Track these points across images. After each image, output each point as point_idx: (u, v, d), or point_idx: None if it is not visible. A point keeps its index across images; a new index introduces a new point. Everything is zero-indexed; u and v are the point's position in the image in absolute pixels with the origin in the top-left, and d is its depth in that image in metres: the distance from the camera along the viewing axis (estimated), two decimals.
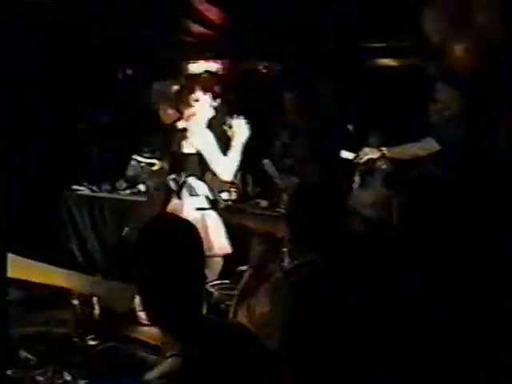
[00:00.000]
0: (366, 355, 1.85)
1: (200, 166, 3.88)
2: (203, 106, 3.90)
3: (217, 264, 3.80)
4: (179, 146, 3.89)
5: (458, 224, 3.12)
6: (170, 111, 3.99)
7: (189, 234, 1.54)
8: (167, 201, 3.90)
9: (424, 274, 2.58)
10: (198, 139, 3.83)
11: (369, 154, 3.70)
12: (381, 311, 1.94)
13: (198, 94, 3.89)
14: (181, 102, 3.92)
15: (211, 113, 3.94)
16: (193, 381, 1.35)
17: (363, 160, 3.71)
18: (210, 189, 3.96)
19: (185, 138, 3.85)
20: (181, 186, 3.87)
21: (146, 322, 1.52)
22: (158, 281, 1.44)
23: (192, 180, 3.87)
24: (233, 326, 1.69)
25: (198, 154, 3.84)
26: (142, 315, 2.58)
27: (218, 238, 3.79)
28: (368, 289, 1.97)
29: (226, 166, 3.82)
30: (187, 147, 3.87)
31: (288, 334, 1.88)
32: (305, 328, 1.88)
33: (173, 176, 3.94)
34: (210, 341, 1.45)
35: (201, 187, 3.90)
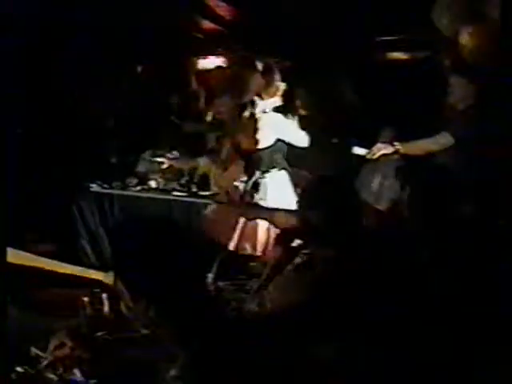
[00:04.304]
0: (380, 347, 1.82)
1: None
2: (279, 90, 4.13)
3: None
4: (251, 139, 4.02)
5: (473, 218, 3.08)
6: (261, 81, 4.14)
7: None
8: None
9: (437, 267, 2.54)
10: (273, 122, 4.00)
11: (382, 149, 3.65)
12: (395, 304, 1.91)
13: (278, 77, 4.11)
14: (268, 76, 4.12)
15: (279, 102, 4.14)
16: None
17: (376, 156, 3.66)
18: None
19: (254, 124, 3.99)
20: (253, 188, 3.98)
21: None
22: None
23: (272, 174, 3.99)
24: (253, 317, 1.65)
25: (279, 143, 4.01)
26: None
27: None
28: (382, 282, 1.94)
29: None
30: (263, 140, 4.01)
31: (299, 327, 1.86)
32: (316, 322, 1.86)
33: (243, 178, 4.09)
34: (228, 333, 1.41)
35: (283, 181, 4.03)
